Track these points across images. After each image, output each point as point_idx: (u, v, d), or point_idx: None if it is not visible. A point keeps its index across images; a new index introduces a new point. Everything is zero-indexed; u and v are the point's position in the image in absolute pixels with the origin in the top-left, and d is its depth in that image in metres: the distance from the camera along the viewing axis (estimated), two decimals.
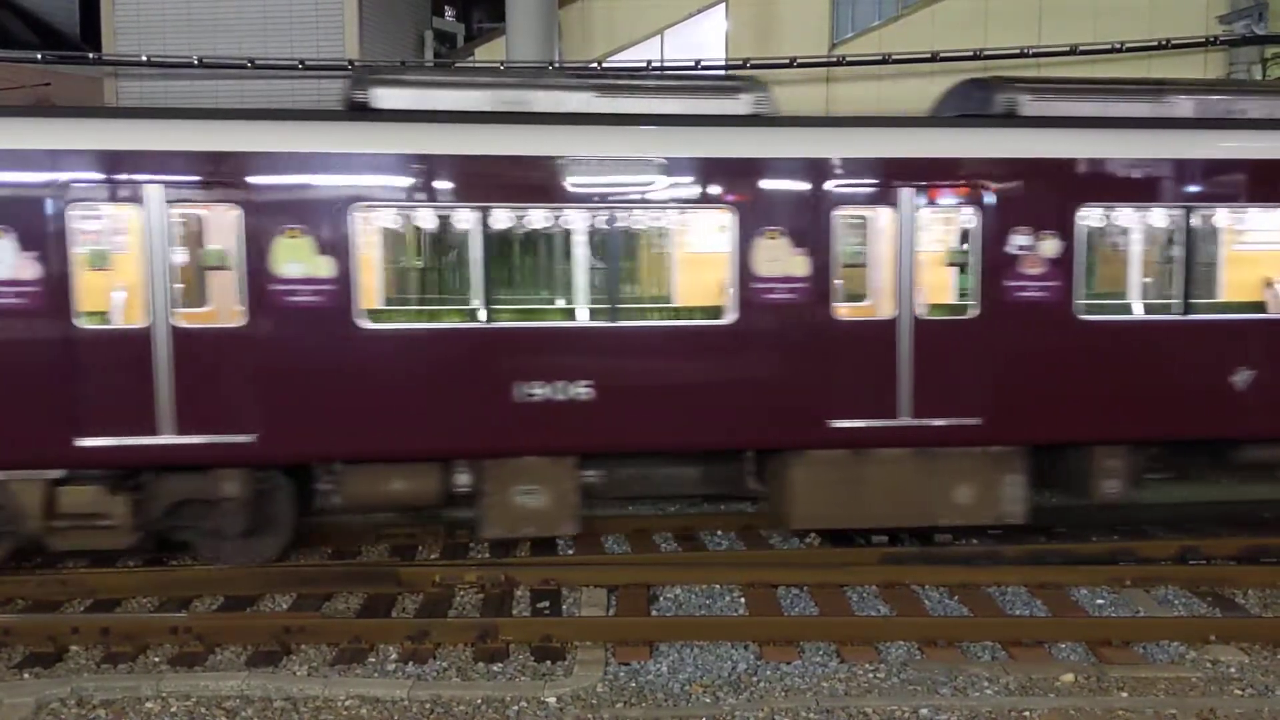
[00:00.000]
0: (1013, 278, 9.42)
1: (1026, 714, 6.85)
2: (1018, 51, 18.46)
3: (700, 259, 9.48)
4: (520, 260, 9.57)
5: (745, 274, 9.20)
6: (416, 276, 9.57)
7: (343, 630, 8.06)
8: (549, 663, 7.65)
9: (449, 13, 25.17)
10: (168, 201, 8.68)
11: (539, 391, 9.06)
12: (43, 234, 8.52)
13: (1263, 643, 7.98)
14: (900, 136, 9.70)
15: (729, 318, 9.25)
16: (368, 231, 8.92)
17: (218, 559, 9.41)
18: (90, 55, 19.46)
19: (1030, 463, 9.86)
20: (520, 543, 10.30)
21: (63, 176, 8.54)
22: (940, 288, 9.65)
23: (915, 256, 9.43)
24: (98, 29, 19.79)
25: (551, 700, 7.03)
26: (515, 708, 6.94)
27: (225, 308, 8.88)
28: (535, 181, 9.04)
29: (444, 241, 9.37)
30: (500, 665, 7.62)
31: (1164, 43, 18.63)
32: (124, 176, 8.63)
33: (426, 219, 9.17)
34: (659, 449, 9.69)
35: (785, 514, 9.77)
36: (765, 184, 9.25)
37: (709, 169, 9.22)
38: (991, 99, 9.89)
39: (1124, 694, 7.17)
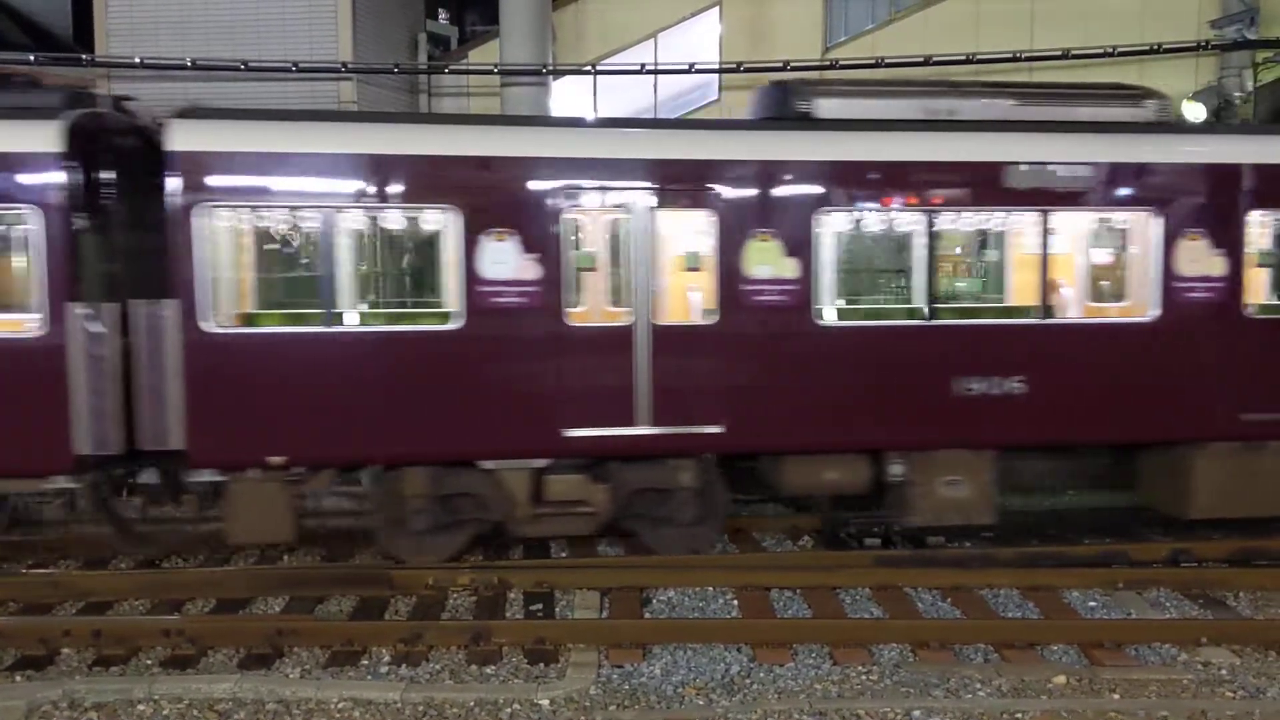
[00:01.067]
0: None
1: (1019, 716, 6.86)
2: (1010, 56, 18.51)
3: (1125, 258, 10.02)
4: (960, 260, 10.06)
5: (1167, 273, 9.69)
6: (867, 277, 10.05)
7: (335, 633, 8.06)
8: (542, 665, 7.65)
9: (442, 15, 25.15)
10: (652, 207, 9.18)
11: (976, 387, 9.54)
12: (542, 237, 8.97)
13: (1254, 645, 8.01)
14: None
15: (1151, 314, 9.72)
16: (828, 234, 9.44)
17: (661, 547, 9.87)
18: (83, 57, 19.41)
19: None
20: (513, 545, 10.30)
21: (560, 183, 9.08)
22: None
23: None
24: (90, 30, 19.76)
25: (545, 703, 7.03)
26: (508, 710, 6.94)
27: (699, 307, 9.46)
28: (975, 185, 9.58)
29: (891, 243, 9.87)
30: (493, 668, 7.62)
31: (1155, 47, 18.67)
32: (615, 184, 9.19)
33: (876, 222, 9.68)
34: (1079, 443, 10.17)
35: (1183, 504, 10.17)
36: (1188, 188, 9.76)
37: (1133, 173, 9.74)
38: None
39: (1116, 696, 7.18)
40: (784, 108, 9.95)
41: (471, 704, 6.99)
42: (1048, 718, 6.85)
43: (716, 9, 21.97)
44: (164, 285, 8.72)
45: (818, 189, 9.39)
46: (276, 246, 9.24)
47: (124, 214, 8.98)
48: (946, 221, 9.64)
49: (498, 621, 8.33)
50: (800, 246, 9.32)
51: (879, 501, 10.19)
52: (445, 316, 9.07)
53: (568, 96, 20.35)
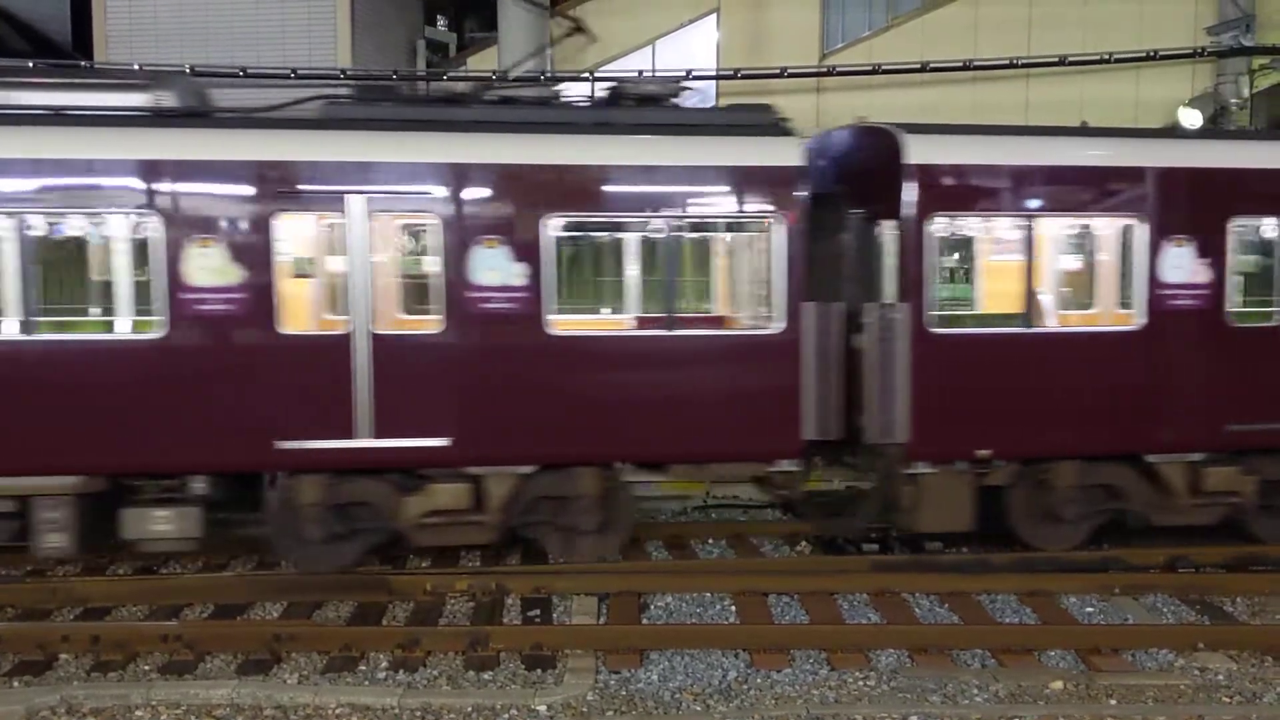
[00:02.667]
0: None
1: None
2: (1007, 62, 18.57)
3: None
4: None
5: None
6: None
7: (333, 638, 8.06)
8: (540, 671, 7.65)
9: (441, 22, 25.17)
10: None
11: None
12: (1212, 243, 9.68)
13: (1251, 650, 8.02)
14: None
15: None
16: None
17: (1268, 536, 10.27)
18: (82, 63, 19.44)
19: None
20: (511, 550, 10.30)
21: (1233, 192, 9.77)
22: None
23: None
24: (89, 37, 19.78)
25: (542, 708, 7.03)
26: (506, 716, 6.94)
27: None
28: None
29: None
30: (491, 673, 7.62)
31: (1152, 54, 18.73)
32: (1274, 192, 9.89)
33: None
34: None
35: None
36: None
37: None
38: None
39: (1113, 701, 7.19)
40: None
41: (469, 709, 7.00)
42: None
43: (714, 16, 22.02)
44: (862, 286, 9.69)
45: None
46: (988, 251, 10.06)
47: (828, 219, 9.70)
48: None
49: (495, 627, 8.33)
50: None
51: None
52: (1128, 317, 9.76)
53: None
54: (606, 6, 21.97)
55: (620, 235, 9.54)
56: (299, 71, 16.61)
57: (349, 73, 17.93)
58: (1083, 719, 6.92)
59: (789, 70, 17.92)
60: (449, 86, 10.44)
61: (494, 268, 8.98)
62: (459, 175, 9.01)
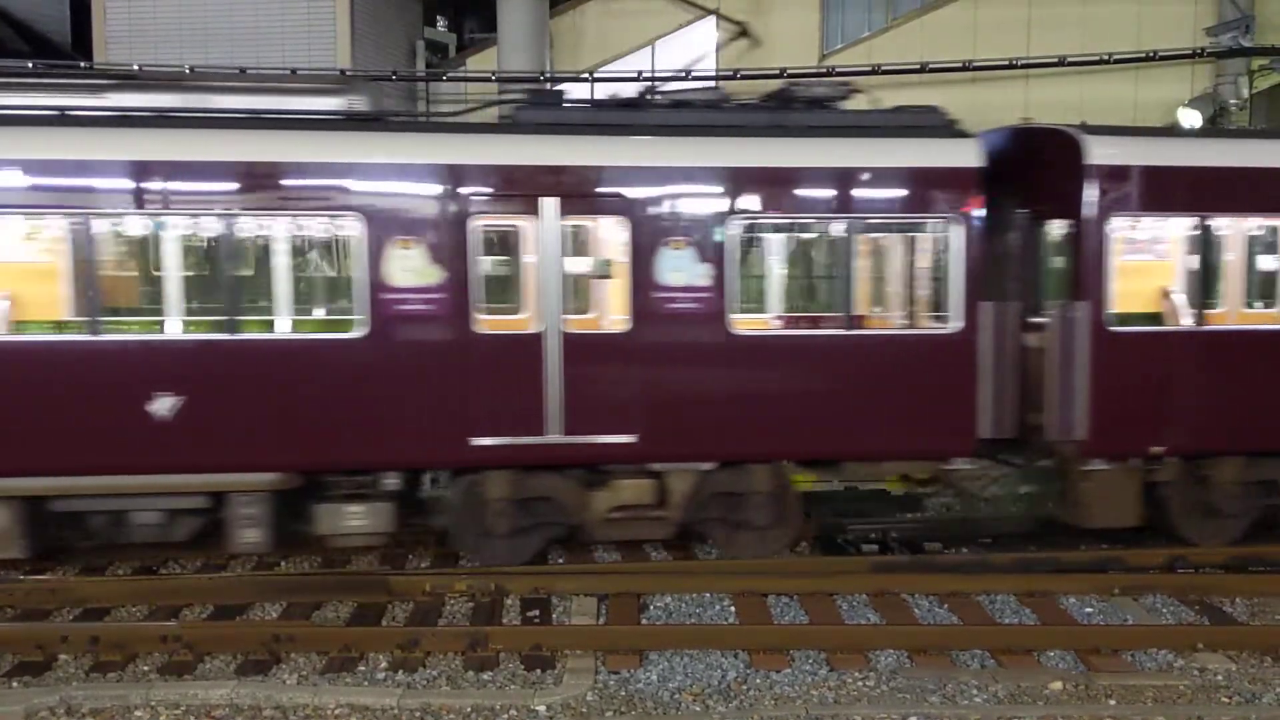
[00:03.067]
0: None
1: None
2: (1007, 63, 18.59)
3: None
4: None
5: None
6: None
7: (333, 639, 8.06)
8: (539, 671, 7.65)
9: (440, 22, 25.19)
10: None
11: None
12: None
13: (1250, 651, 8.02)
14: None
15: None
16: None
17: None
18: (81, 64, 19.44)
19: None
20: None
21: None
22: None
23: None
24: (89, 38, 19.78)
25: (541, 709, 7.03)
26: (505, 716, 6.94)
27: None
28: None
29: None
30: (490, 674, 7.62)
31: (1151, 54, 18.75)
32: None
33: None
34: None
35: None
36: None
37: None
38: None
39: (1112, 702, 7.20)
40: None
41: (468, 710, 7.00)
42: None
43: (714, 17, 22.03)
44: (1031, 285, 9.90)
45: None
46: (1165, 251, 10.01)
47: (995, 219, 9.76)
48: None
49: (495, 627, 8.33)
50: None
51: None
52: None
53: None
54: (607, 8, 21.99)
55: (801, 236, 9.75)
56: (299, 73, 16.62)
57: (349, 73, 17.95)
58: (1082, 719, 6.92)
59: (788, 71, 17.90)
60: (617, 90, 10.58)
61: (680, 268, 9.25)
62: (648, 178, 9.24)
